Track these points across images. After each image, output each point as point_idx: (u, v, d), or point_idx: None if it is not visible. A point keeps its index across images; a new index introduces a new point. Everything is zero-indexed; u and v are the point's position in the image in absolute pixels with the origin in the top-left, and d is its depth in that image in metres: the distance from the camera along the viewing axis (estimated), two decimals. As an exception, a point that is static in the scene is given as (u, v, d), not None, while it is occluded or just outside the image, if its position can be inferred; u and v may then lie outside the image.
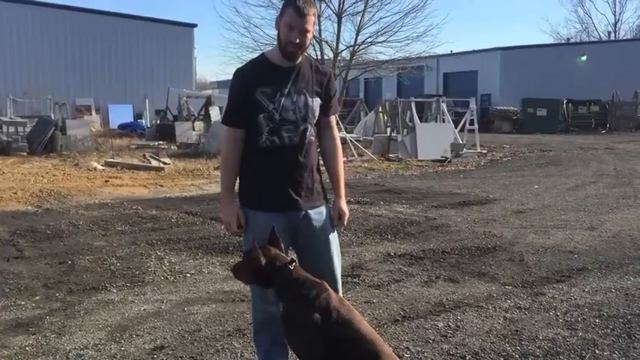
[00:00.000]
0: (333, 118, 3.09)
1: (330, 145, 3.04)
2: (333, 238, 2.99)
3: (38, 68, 28.75)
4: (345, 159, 15.23)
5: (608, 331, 3.99)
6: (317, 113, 2.91)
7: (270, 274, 2.62)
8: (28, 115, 21.30)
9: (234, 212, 2.89)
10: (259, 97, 2.80)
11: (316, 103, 2.89)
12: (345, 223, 3.03)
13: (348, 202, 8.87)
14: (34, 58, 28.87)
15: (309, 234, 2.91)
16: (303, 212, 2.89)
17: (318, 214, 2.93)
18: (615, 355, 3.63)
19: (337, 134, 3.11)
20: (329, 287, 2.66)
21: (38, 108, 24.35)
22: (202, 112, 21.81)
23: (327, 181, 3.05)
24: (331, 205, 3.04)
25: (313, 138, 2.93)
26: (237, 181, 2.98)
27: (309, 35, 2.79)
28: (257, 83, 2.80)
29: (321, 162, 3.06)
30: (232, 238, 6.42)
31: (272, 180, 2.86)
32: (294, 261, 2.72)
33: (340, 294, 3.00)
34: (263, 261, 2.61)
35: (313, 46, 24.43)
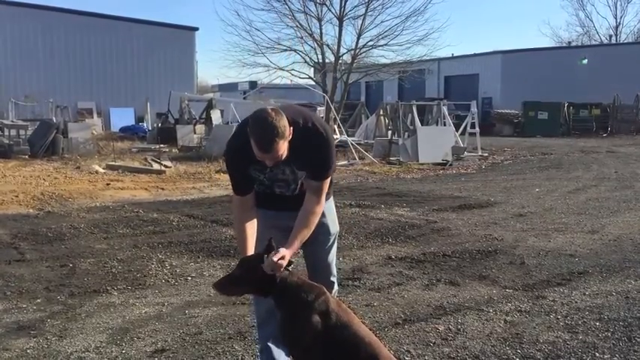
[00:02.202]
0: (322, 184, 2.87)
1: (305, 209, 2.86)
2: (334, 231, 3.14)
3: (40, 71, 28.77)
4: (346, 162, 15.27)
5: (609, 334, 4.00)
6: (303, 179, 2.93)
7: (271, 281, 2.62)
8: (30, 119, 21.33)
9: None
10: (252, 173, 2.86)
11: (302, 174, 2.89)
12: (275, 267, 2.61)
13: (349, 206, 8.90)
14: (35, 61, 28.89)
15: None
16: None
17: None
18: (616, 358, 3.63)
19: (323, 201, 2.90)
20: (327, 291, 2.68)
21: (40, 111, 24.36)
22: (203, 116, 21.81)
23: (335, 182, 3.06)
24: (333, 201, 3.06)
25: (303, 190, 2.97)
26: None
27: (282, 155, 2.65)
28: (249, 163, 2.80)
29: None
30: (233, 241, 6.43)
31: (271, 200, 2.98)
32: (292, 263, 2.74)
33: (336, 287, 3.13)
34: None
35: (315, 49, 24.50)
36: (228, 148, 2.90)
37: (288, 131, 2.60)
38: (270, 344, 3.06)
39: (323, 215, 3.01)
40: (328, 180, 2.92)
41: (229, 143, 2.92)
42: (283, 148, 2.62)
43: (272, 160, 2.65)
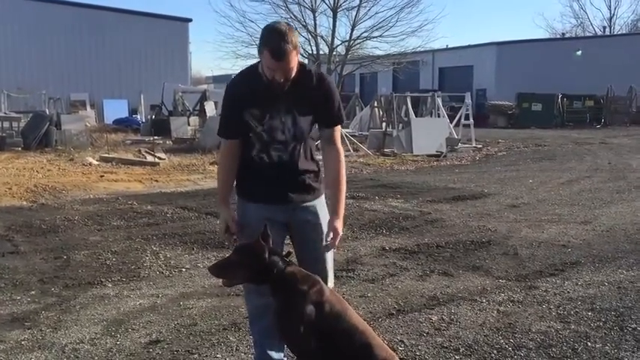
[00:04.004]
0: (337, 131, 2.94)
1: (331, 162, 2.92)
2: (327, 230, 3.00)
3: (32, 63, 28.60)
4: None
5: (601, 323, 4.03)
6: (308, 131, 2.89)
7: (268, 269, 2.62)
8: (23, 110, 21.20)
9: (224, 220, 2.95)
10: (247, 119, 2.81)
11: (305, 121, 2.85)
12: (337, 243, 2.90)
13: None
14: (28, 52, 28.72)
15: (302, 226, 2.96)
16: (294, 206, 2.93)
17: (312, 207, 2.96)
18: (607, 347, 3.66)
19: (340, 149, 2.96)
20: (321, 280, 2.69)
21: (33, 103, 24.23)
22: (197, 108, 21.76)
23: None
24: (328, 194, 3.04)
25: (307, 152, 2.93)
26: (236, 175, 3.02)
27: (293, 69, 2.69)
28: (246, 104, 2.79)
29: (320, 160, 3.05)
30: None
31: (263, 183, 2.90)
32: (290, 253, 2.75)
33: (331, 284, 3.04)
34: (267, 254, 2.60)
35: (309, 41, 24.48)
36: (229, 85, 2.93)
37: (298, 45, 2.67)
38: (263, 339, 3.06)
39: (315, 214, 2.95)
40: (340, 128, 2.97)
41: (230, 81, 2.95)
42: (294, 61, 2.65)
43: (283, 73, 2.65)
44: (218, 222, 3.06)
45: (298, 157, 2.89)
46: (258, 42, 2.70)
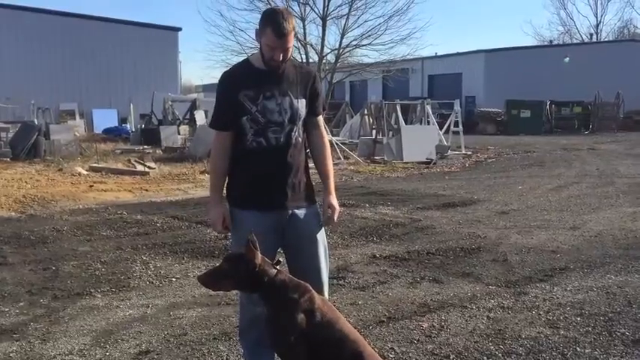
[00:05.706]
0: (321, 118, 3.11)
1: (318, 144, 3.08)
2: (321, 239, 3.01)
3: (21, 73, 28.46)
4: (330, 162, 15.26)
5: (590, 329, 4.05)
6: (303, 114, 2.95)
7: (259, 277, 2.62)
8: (11, 121, 21.05)
9: (221, 213, 2.95)
10: (242, 100, 2.85)
11: (302, 103, 2.93)
12: (336, 218, 3.01)
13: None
14: (16, 62, 28.59)
15: (296, 234, 2.94)
16: (290, 212, 2.93)
17: (306, 215, 2.96)
18: (596, 352, 3.68)
19: (325, 133, 3.16)
20: (312, 289, 2.68)
21: (21, 113, 24.09)
22: (187, 116, 21.75)
23: (315, 183, 3.08)
24: (321, 202, 3.07)
25: (300, 139, 2.97)
26: (227, 182, 3.02)
27: (290, 49, 2.84)
28: (240, 86, 2.86)
29: (311, 164, 3.10)
30: (218, 242, 6.43)
31: (258, 180, 2.90)
32: (280, 262, 2.74)
33: (326, 295, 3.02)
34: (258, 261, 2.60)
35: (298, 49, 24.53)
36: (223, 74, 3.01)
37: (295, 29, 2.84)
38: (254, 350, 3.05)
39: (310, 224, 2.95)
40: (322, 118, 3.15)
41: (224, 72, 3.03)
42: (292, 42, 2.82)
43: (281, 50, 2.77)
44: (210, 216, 3.02)
45: (295, 143, 2.94)
46: (259, 23, 2.84)
